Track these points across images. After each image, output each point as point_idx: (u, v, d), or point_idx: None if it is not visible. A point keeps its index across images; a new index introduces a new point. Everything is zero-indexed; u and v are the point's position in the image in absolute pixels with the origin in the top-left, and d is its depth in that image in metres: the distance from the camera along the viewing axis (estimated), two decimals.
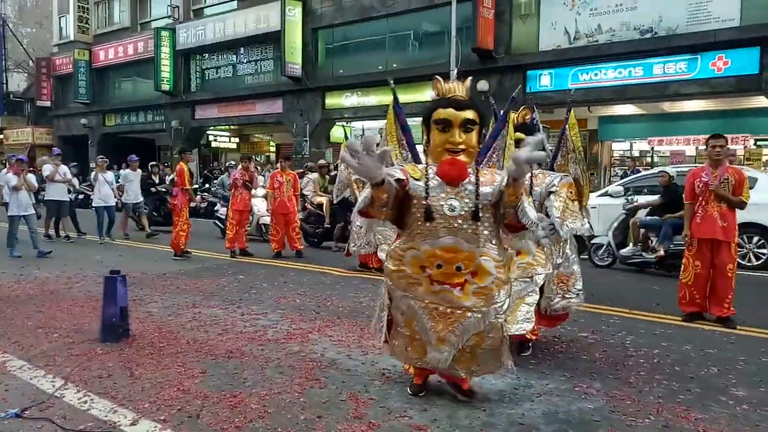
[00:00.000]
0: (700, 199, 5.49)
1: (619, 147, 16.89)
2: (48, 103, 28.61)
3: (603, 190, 10.70)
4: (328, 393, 3.53)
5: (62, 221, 11.37)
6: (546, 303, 4.28)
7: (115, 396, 3.44)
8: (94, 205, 11.20)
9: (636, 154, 16.46)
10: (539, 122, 4.62)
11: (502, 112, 4.14)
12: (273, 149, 25.52)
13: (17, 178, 9.29)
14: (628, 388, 3.70)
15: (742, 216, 5.88)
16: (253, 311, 5.63)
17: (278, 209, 9.44)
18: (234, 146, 25.40)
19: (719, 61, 12.07)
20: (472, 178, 3.22)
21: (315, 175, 12.20)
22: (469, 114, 3.23)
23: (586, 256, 8.57)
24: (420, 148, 3.89)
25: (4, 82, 29.35)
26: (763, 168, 13.36)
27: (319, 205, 10.85)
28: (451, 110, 3.21)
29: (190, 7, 22.36)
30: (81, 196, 13.91)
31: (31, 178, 9.78)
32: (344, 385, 3.67)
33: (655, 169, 12.06)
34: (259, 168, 16.98)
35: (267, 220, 10.36)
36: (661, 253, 7.96)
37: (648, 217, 8.42)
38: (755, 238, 8.58)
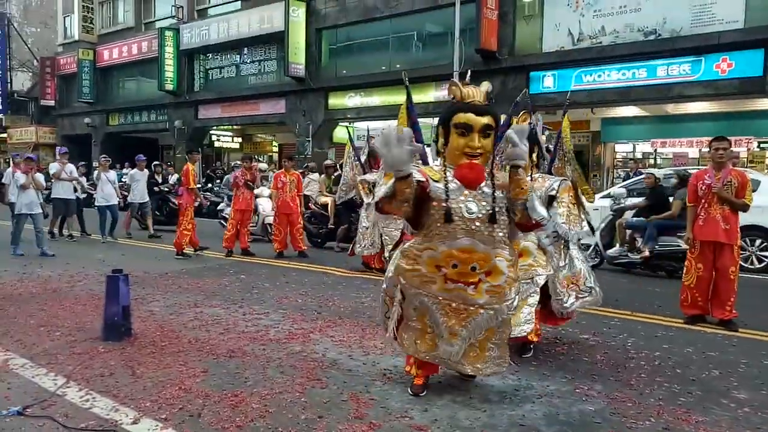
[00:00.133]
0: (703, 201, 5.48)
1: (622, 149, 16.86)
2: (52, 103, 28.70)
3: (605, 192, 10.68)
4: (330, 393, 3.54)
5: (68, 220, 11.40)
6: (558, 305, 4.31)
7: (116, 394, 3.45)
8: (96, 204, 11.22)
9: (639, 155, 16.41)
10: (542, 125, 4.65)
11: (504, 116, 4.16)
12: (276, 149, 25.54)
13: (26, 177, 9.32)
14: (629, 391, 3.70)
15: (744, 218, 5.87)
16: (255, 311, 5.64)
17: (281, 209, 9.45)
18: (237, 146, 25.44)
19: (723, 63, 12.05)
20: (489, 182, 3.32)
21: (316, 175, 12.21)
22: (488, 120, 3.31)
23: None
24: (427, 149, 3.93)
25: (9, 81, 29.45)
26: (766, 170, 13.32)
27: (324, 205, 10.84)
28: (471, 115, 3.28)
29: (194, 7, 22.41)
30: (83, 195, 13.91)
31: (40, 176, 9.81)
32: (345, 385, 3.68)
33: (658, 171, 12.06)
34: (262, 168, 16.99)
35: (272, 220, 10.37)
36: (646, 253, 8.02)
37: (634, 219, 8.49)
38: (758, 241, 8.55)
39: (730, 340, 5.01)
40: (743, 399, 3.61)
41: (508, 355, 3.54)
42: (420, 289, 3.34)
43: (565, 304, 4.33)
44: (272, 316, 5.46)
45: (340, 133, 20.12)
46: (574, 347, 4.65)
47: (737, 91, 12.26)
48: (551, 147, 4.68)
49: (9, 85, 29.90)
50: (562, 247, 4.30)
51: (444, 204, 3.25)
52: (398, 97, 16.84)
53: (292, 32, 18.18)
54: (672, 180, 8.66)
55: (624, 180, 13.30)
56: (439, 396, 3.53)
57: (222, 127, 23.61)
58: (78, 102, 26.77)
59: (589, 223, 4.76)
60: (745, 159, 14.10)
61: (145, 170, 12.46)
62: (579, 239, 4.49)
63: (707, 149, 6.25)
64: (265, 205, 11.15)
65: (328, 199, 10.79)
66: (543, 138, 4.91)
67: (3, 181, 10.92)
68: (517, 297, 3.47)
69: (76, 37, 26.69)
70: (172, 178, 15.47)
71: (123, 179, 16.40)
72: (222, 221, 12.26)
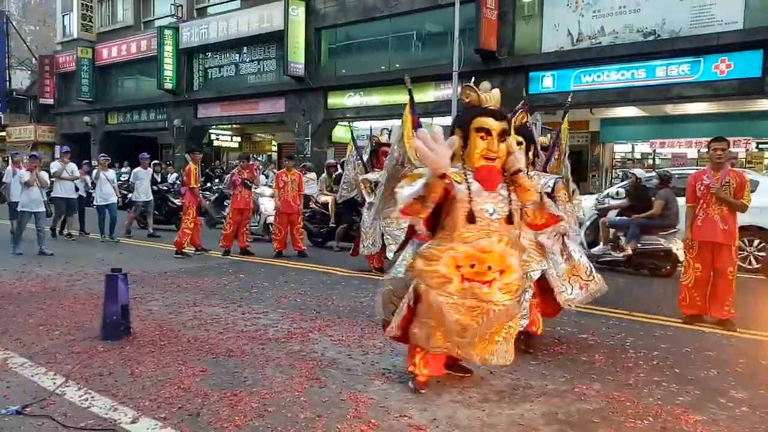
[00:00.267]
0: (701, 201, 5.49)
1: (620, 149, 16.88)
2: (51, 101, 28.66)
3: (605, 192, 10.70)
4: (328, 392, 3.54)
5: (68, 219, 11.39)
6: (562, 298, 4.46)
7: (115, 394, 3.45)
8: (95, 203, 11.20)
9: (638, 156, 16.44)
10: (540, 125, 4.71)
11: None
12: (275, 149, 25.54)
13: (30, 174, 9.32)
14: (628, 390, 3.71)
15: (742, 219, 5.88)
16: (254, 310, 5.64)
17: (282, 208, 9.46)
18: (236, 145, 25.43)
19: (722, 63, 12.06)
20: (504, 184, 3.45)
21: (313, 175, 12.21)
22: (505, 125, 3.47)
23: None
24: None
25: (7, 79, 29.41)
26: (764, 171, 13.34)
27: (325, 204, 10.82)
28: (491, 120, 3.41)
29: (193, 6, 22.39)
30: (85, 194, 13.88)
31: (44, 175, 9.80)
32: (344, 384, 3.68)
33: (655, 172, 12.06)
34: (261, 167, 16.99)
35: (273, 219, 10.36)
36: (629, 252, 8.09)
37: (617, 218, 8.58)
38: (756, 241, 8.57)
39: (728, 340, 5.02)
40: (741, 398, 3.62)
41: (513, 350, 3.61)
42: (436, 290, 3.40)
43: (569, 296, 4.47)
44: (271, 315, 5.46)
45: (339, 132, 20.15)
46: (572, 347, 4.66)
47: (736, 92, 12.27)
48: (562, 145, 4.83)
49: (8, 83, 29.85)
50: (561, 242, 4.40)
51: (468, 205, 3.33)
52: (397, 97, 16.87)
53: (292, 31, 18.17)
54: (653, 180, 8.82)
55: (622, 180, 13.32)
56: (438, 395, 3.54)
57: (221, 126, 23.61)
58: (77, 100, 26.74)
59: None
60: (744, 160, 14.13)
61: (149, 168, 12.43)
62: (577, 234, 4.60)
63: (706, 150, 6.26)
64: (267, 205, 11.15)
65: (328, 198, 10.77)
66: (545, 138, 4.98)
67: (4, 180, 10.93)
68: (523, 294, 3.60)
69: (75, 36, 26.65)
70: (171, 177, 15.46)
71: (122, 178, 16.42)
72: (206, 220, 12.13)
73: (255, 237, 11.32)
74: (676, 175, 9.69)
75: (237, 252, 9.51)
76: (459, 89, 14.59)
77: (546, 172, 4.62)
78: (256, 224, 11.67)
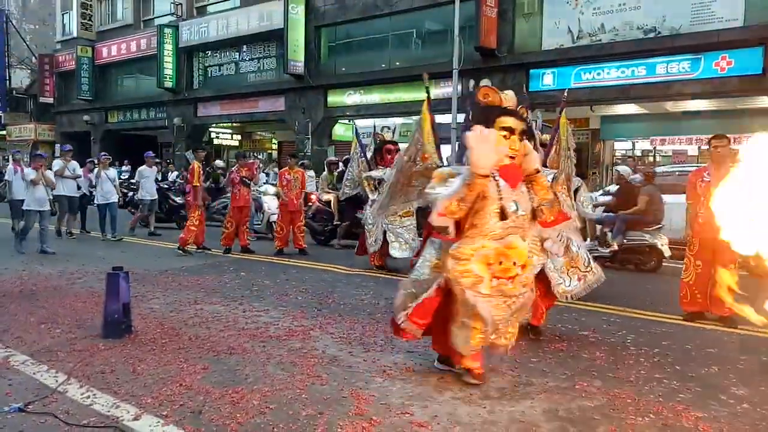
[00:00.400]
0: (702, 199, 5.49)
1: (621, 146, 16.86)
2: (51, 100, 28.63)
3: (606, 189, 10.70)
4: (330, 389, 3.55)
5: (68, 218, 11.36)
6: (559, 290, 4.60)
7: (117, 391, 3.46)
8: (96, 202, 11.19)
9: (638, 153, 16.41)
10: (541, 122, 4.75)
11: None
12: (275, 147, 25.52)
13: (36, 173, 9.31)
14: (629, 387, 3.71)
15: None
16: (255, 308, 5.64)
17: (285, 207, 9.46)
18: (236, 144, 25.40)
19: (722, 61, 12.04)
20: (522, 182, 3.57)
21: (312, 173, 12.20)
22: (524, 125, 3.60)
23: None
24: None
25: (7, 78, 29.38)
26: None
27: (327, 202, 10.78)
28: (513, 119, 3.55)
29: (193, 5, 22.35)
30: (89, 192, 13.85)
31: (49, 173, 9.79)
32: (346, 381, 3.69)
33: (656, 168, 12.05)
34: (261, 165, 17.00)
35: (276, 218, 10.36)
36: (615, 247, 8.14)
37: (603, 214, 8.66)
38: None
39: (729, 337, 5.03)
40: (742, 395, 3.62)
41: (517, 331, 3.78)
42: (471, 290, 3.45)
43: (567, 288, 4.59)
44: (272, 313, 5.47)
45: (339, 130, 20.14)
46: (573, 344, 4.66)
47: (736, 89, 12.25)
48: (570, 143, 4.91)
49: (8, 82, 29.82)
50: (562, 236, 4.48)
51: (499, 202, 3.42)
52: (398, 95, 16.89)
53: (292, 30, 18.15)
54: (638, 177, 8.96)
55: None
56: (439, 392, 3.54)
57: (221, 124, 23.59)
58: (77, 99, 26.71)
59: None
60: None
61: (154, 167, 12.43)
62: (576, 227, 4.68)
63: (706, 147, 6.27)
64: (271, 203, 11.14)
65: (331, 196, 10.75)
66: (545, 136, 5.02)
67: (7, 178, 10.92)
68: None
69: (75, 34, 26.62)
70: (172, 176, 15.46)
71: (122, 176, 16.42)
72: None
73: (258, 235, 11.33)
74: (677, 173, 9.71)
75: (238, 250, 9.51)
76: (460, 87, 14.64)
77: (546, 166, 4.66)
78: (259, 223, 11.67)
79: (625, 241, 8.25)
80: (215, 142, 25.00)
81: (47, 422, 3.05)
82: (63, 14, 28.26)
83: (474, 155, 3.24)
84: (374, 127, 9.79)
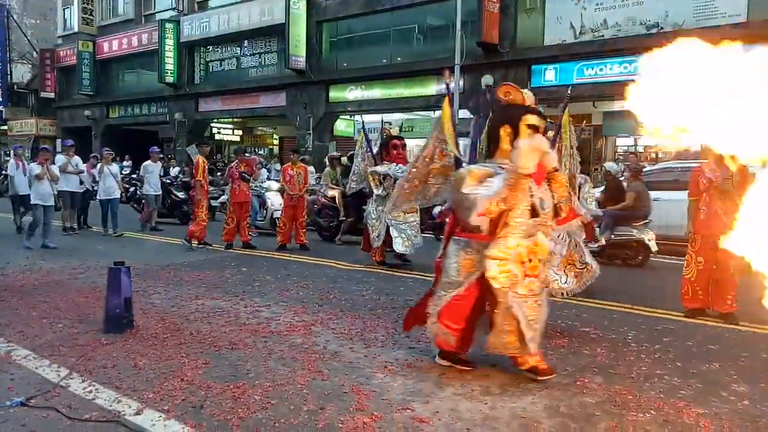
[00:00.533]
0: (705, 195, 5.48)
1: (623, 142, 16.83)
2: (52, 95, 28.65)
3: (600, 188, 10.67)
4: (331, 385, 3.56)
5: (68, 212, 11.34)
6: (557, 285, 4.66)
7: (119, 386, 3.46)
8: (98, 197, 11.17)
9: (640, 149, 16.38)
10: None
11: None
12: (276, 142, 25.51)
13: (41, 168, 9.31)
14: (630, 383, 3.71)
15: None
16: (256, 303, 5.65)
17: (288, 202, 9.45)
18: (237, 139, 25.41)
19: None
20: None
21: (311, 168, 12.16)
22: (545, 123, 3.69)
23: None
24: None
25: (8, 73, 29.37)
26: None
27: (332, 198, 10.72)
28: (537, 118, 3.61)
29: None
30: (92, 188, 13.82)
31: (54, 168, 9.78)
32: (347, 377, 3.69)
33: (658, 165, 12.04)
34: (263, 161, 16.99)
35: (279, 214, 10.35)
36: (603, 242, 8.19)
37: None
38: None
39: (731, 334, 5.02)
40: (743, 392, 3.62)
41: None
42: (510, 290, 3.48)
43: (563, 285, 4.67)
44: (273, 308, 5.48)
45: (340, 126, 20.12)
46: (575, 340, 4.66)
47: None
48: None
49: (9, 77, 29.81)
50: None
51: (531, 199, 3.47)
52: (399, 90, 16.87)
53: (293, 25, 18.12)
54: (626, 174, 9.08)
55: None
56: (440, 388, 3.55)
57: (222, 119, 23.59)
58: (78, 94, 26.73)
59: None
60: None
61: (159, 162, 12.41)
62: (579, 224, 4.72)
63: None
64: (274, 199, 11.12)
65: (336, 192, 10.71)
66: (550, 133, 5.00)
67: (8, 173, 10.91)
68: None
69: (76, 29, 26.60)
70: (174, 171, 15.45)
71: (123, 171, 16.41)
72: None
73: (261, 231, 11.32)
74: (679, 169, 9.68)
75: (239, 246, 9.51)
76: (462, 82, 14.58)
77: None
78: (263, 219, 11.66)
79: (612, 236, 8.30)
80: (216, 137, 25.02)
81: (49, 416, 3.06)
82: (64, 9, 28.24)
83: (522, 157, 3.27)
84: (381, 122, 9.76)
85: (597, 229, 8.47)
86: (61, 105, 28.57)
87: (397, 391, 3.48)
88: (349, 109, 18.47)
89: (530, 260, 3.50)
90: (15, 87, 31.31)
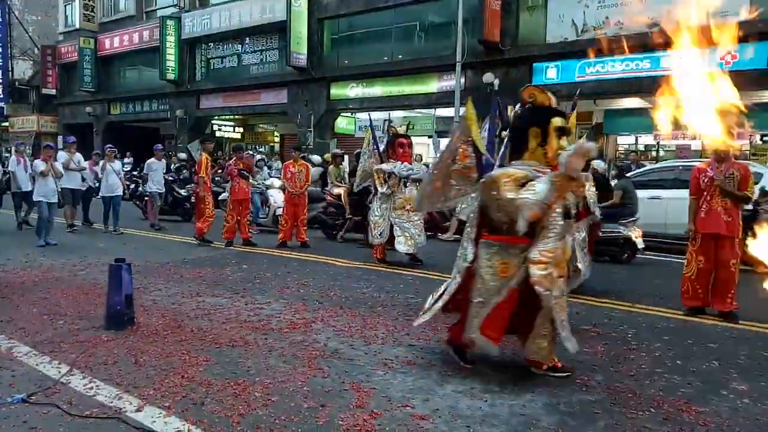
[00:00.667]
0: (705, 194, 5.48)
1: (624, 141, 16.81)
2: (53, 91, 28.63)
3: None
4: (331, 382, 3.56)
5: (68, 209, 11.33)
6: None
7: (120, 383, 3.47)
8: (101, 194, 11.16)
9: (641, 148, 16.38)
10: None
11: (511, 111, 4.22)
12: (277, 139, 25.50)
13: (45, 165, 9.31)
14: (630, 381, 3.72)
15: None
16: (257, 300, 5.66)
17: (289, 199, 9.45)
18: (238, 136, 25.39)
19: (727, 55, 11.97)
20: None
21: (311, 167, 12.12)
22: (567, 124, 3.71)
23: None
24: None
25: (10, 69, 29.38)
26: None
27: (338, 196, 10.69)
28: (562, 120, 3.63)
29: None
30: (95, 184, 13.78)
31: (58, 165, 9.77)
32: (347, 374, 3.70)
33: (660, 163, 12.04)
34: (265, 158, 16.97)
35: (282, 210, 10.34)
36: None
37: None
38: None
39: (731, 332, 5.02)
40: (743, 390, 3.63)
41: None
42: (551, 293, 3.49)
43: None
44: (274, 305, 5.48)
45: (341, 123, 20.11)
46: (574, 338, 4.65)
47: (742, 84, 12.15)
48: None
49: (10, 73, 29.82)
50: None
51: (563, 201, 3.52)
52: (400, 88, 16.84)
53: (294, 22, 18.10)
54: (613, 172, 9.04)
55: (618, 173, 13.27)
56: (440, 386, 3.55)
57: (223, 116, 23.58)
58: (79, 91, 26.71)
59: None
60: (748, 152, 14.07)
61: (162, 160, 12.42)
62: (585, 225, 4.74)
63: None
64: (277, 197, 11.11)
65: (341, 190, 10.68)
66: None
67: (10, 169, 10.91)
68: None
69: (77, 26, 26.59)
70: (174, 167, 15.43)
71: (124, 169, 16.42)
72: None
73: (262, 229, 11.32)
74: (680, 167, 9.67)
75: (240, 243, 9.52)
76: (463, 80, 14.55)
77: None
78: (265, 216, 11.66)
79: (600, 233, 8.31)
80: (217, 134, 24.99)
81: (50, 413, 3.07)
82: (65, 5, 28.21)
83: (574, 161, 3.28)
84: (389, 118, 9.76)
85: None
86: (63, 102, 28.57)
87: (397, 389, 3.49)
88: (351, 106, 18.46)
89: (564, 262, 3.59)
90: (16, 83, 31.31)
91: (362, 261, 8.09)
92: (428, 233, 8.54)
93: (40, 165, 9.33)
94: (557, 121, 3.60)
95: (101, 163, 11.32)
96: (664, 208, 9.21)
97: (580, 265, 4.66)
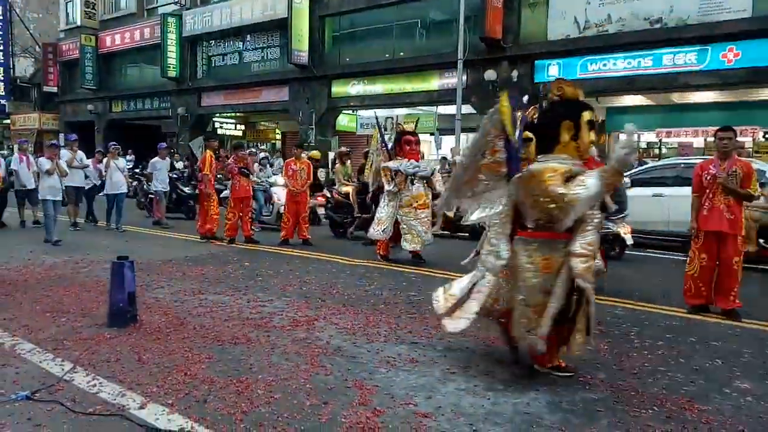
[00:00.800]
0: (708, 191, 5.47)
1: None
2: (55, 89, 28.65)
3: None
4: (334, 380, 3.57)
5: (71, 207, 11.34)
6: None
7: (123, 380, 3.48)
8: (105, 192, 11.16)
9: (644, 145, 16.35)
10: None
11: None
12: (279, 137, 25.50)
13: (50, 163, 9.31)
14: (633, 379, 3.72)
15: None
16: (259, 298, 5.66)
17: (291, 197, 9.45)
18: (240, 134, 25.40)
19: (730, 52, 11.95)
20: None
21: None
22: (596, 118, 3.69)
23: None
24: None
25: (11, 67, 29.40)
26: None
27: (345, 194, 10.65)
28: (591, 113, 3.59)
29: None
30: (99, 182, 13.78)
31: (63, 163, 9.78)
32: (349, 372, 3.70)
33: (662, 161, 12.01)
34: (268, 156, 16.97)
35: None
36: None
37: None
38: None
39: (734, 330, 5.02)
40: (746, 388, 3.62)
41: None
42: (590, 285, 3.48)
43: None
44: (276, 303, 5.49)
45: (343, 121, 20.09)
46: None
47: (743, 81, 12.17)
48: None
49: (12, 71, 29.83)
50: None
51: None
52: (402, 85, 16.83)
53: (296, 19, 18.07)
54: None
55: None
56: (443, 383, 3.56)
57: (225, 114, 23.59)
58: (81, 89, 26.72)
59: None
60: (751, 149, 14.04)
61: (167, 158, 12.42)
62: None
63: (712, 139, 6.24)
64: (281, 194, 11.11)
65: (349, 188, 10.63)
66: None
67: (12, 167, 10.90)
68: None
69: (78, 23, 26.59)
70: (179, 165, 15.45)
71: (127, 166, 16.41)
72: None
73: (264, 227, 11.31)
74: (682, 165, 9.65)
75: (242, 240, 9.53)
76: (465, 77, 14.51)
77: None
78: (269, 214, 11.65)
79: None
80: (219, 132, 25.00)
81: (54, 410, 3.08)
82: (66, 2, 28.20)
83: (626, 156, 3.26)
84: (396, 117, 9.72)
85: None
86: (64, 99, 28.59)
87: (400, 386, 3.49)
88: (352, 104, 18.45)
89: None
90: (18, 81, 31.31)
91: (364, 258, 8.09)
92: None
93: (45, 163, 9.32)
94: (586, 115, 3.56)
95: (105, 160, 11.31)
96: (667, 205, 9.19)
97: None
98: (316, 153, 13.19)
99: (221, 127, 24.83)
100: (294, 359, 3.91)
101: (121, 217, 10.96)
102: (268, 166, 13.73)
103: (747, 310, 5.43)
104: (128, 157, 19.50)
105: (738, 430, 3.06)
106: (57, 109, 29.26)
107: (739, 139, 8.97)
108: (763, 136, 14.33)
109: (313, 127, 18.64)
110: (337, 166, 11.60)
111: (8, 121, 30.87)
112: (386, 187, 7.72)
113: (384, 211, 7.77)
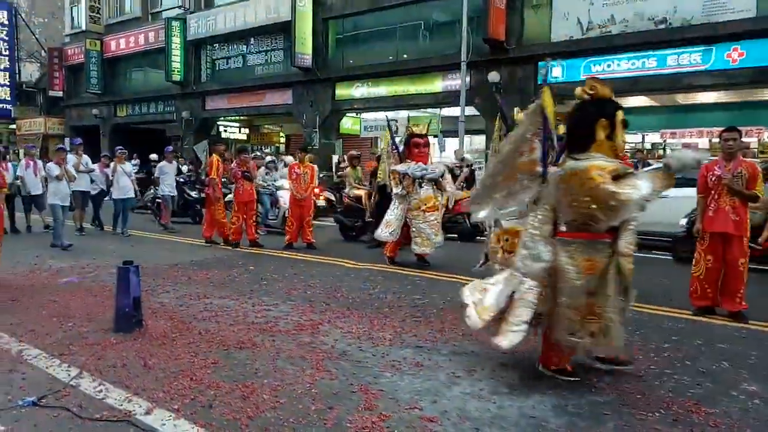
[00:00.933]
0: (713, 192, 5.45)
1: (630, 139, 16.71)
2: (60, 93, 28.80)
3: None
4: (339, 384, 3.57)
5: (77, 211, 11.37)
6: None
7: (129, 385, 3.49)
8: (113, 197, 11.18)
9: (648, 146, 16.29)
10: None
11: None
12: (283, 140, 25.54)
13: (59, 168, 9.35)
14: (639, 382, 3.70)
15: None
16: (264, 302, 5.67)
17: (294, 201, 9.46)
18: (244, 137, 25.46)
19: (734, 52, 11.90)
20: None
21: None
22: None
23: None
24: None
25: (17, 72, 29.57)
26: None
27: (357, 198, 10.61)
28: (622, 113, 3.58)
29: None
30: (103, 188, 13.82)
31: (71, 168, 9.82)
32: (355, 376, 3.70)
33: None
34: (274, 159, 16.95)
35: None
36: None
37: None
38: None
39: (740, 332, 4.99)
40: (753, 391, 3.60)
41: None
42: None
43: None
44: (281, 307, 5.49)
45: (347, 123, 20.12)
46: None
47: (748, 81, 12.12)
48: None
49: (17, 76, 30.00)
50: None
51: None
52: (406, 87, 16.83)
53: (299, 22, 18.11)
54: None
55: None
56: (448, 387, 3.55)
57: (229, 117, 23.64)
58: (86, 93, 26.85)
59: None
60: (756, 150, 13.97)
61: (174, 162, 12.45)
62: None
63: (717, 140, 6.22)
64: (287, 198, 11.11)
65: (361, 192, 10.57)
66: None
67: (18, 173, 10.95)
68: None
69: (83, 28, 26.72)
70: (184, 168, 15.48)
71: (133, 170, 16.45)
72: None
73: (269, 230, 11.32)
74: None
75: (246, 245, 9.54)
76: (468, 79, 14.49)
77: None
78: (275, 218, 11.65)
79: None
80: (223, 135, 25.06)
81: (60, 416, 3.09)
82: (71, 7, 28.34)
83: (689, 158, 3.27)
84: (408, 118, 9.69)
85: None
86: (69, 104, 28.72)
87: (405, 391, 3.49)
88: (356, 106, 18.47)
89: None
90: (24, 86, 31.49)
91: (369, 262, 8.09)
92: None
93: (54, 169, 9.35)
94: (621, 114, 3.57)
95: (112, 164, 11.32)
96: (671, 207, 9.14)
97: None
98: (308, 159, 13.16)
99: (225, 131, 24.90)
100: (299, 363, 3.91)
101: (127, 222, 10.99)
102: (274, 170, 13.73)
103: (754, 312, 5.39)
104: (134, 162, 19.55)
105: None
106: (62, 113, 29.40)
107: (744, 139, 8.94)
108: None
109: (317, 129, 18.67)
110: (348, 169, 11.54)
111: (14, 126, 31.03)
112: (395, 190, 7.72)
113: (393, 214, 7.77)
